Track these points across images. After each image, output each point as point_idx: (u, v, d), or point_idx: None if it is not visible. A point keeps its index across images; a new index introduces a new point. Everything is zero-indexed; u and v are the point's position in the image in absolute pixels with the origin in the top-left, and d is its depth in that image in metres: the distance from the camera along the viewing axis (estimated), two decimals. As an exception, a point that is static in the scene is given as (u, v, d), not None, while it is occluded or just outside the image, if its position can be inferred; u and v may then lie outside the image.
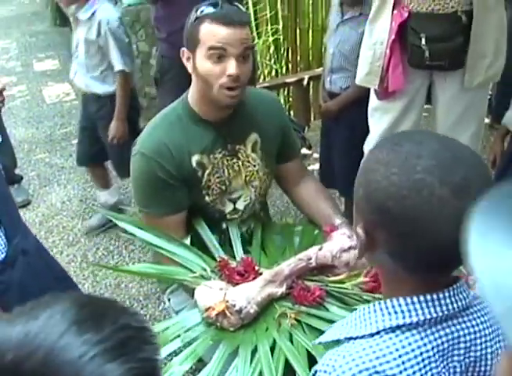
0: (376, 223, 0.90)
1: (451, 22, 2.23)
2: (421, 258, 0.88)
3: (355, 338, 0.93)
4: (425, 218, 0.84)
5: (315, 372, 0.93)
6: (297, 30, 4.95)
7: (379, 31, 2.37)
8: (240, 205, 1.89)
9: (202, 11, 1.70)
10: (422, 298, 0.90)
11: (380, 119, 2.58)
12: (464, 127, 2.43)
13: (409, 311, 0.91)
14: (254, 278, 1.64)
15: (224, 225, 1.91)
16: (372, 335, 0.92)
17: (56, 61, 6.69)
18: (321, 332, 1.48)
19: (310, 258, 1.65)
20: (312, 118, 4.72)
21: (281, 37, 5.02)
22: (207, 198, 1.84)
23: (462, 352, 0.92)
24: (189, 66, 1.76)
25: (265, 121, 1.90)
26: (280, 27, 4.97)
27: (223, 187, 1.85)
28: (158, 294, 2.94)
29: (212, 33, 1.66)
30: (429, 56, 2.25)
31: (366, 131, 2.73)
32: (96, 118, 3.29)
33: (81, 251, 3.38)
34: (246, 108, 1.86)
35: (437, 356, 0.90)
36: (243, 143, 1.86)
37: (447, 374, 0.91)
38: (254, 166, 1.88)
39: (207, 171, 1.81)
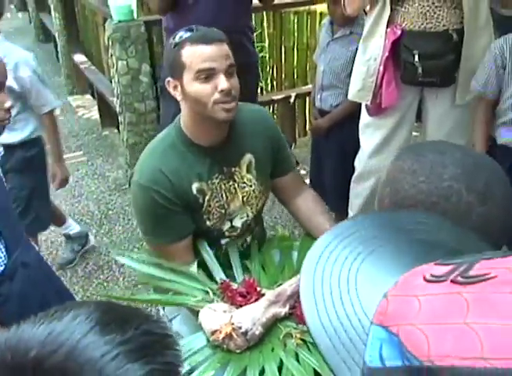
0: None
1: (442, 40, 2.31)
2: None
3: None
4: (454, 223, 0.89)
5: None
6: (283, 49, 5.04)
7: (373, 48, 2.44)
8: (238, 223, 1.91)
9: (179, 37, 1.72)
10: None
11: (371, 135, 2.64)
12: (455, 142, 2.50)
13: None
14: (256, 299, 1.65)
15: (222, 241, 1.93)
16: None
17: (40, 77, 6.68)
18: None
19: None
20: (298, 135, 4.78)
21: (267, 55, 5.11)
22: (208, 223, 1.85)
23: None
24: (177, 94, 1.76)
25: (257, 140, 1.91)
26: (266, 44, 5.05)
27: (222, 211, 1.86)
28: (149, 308, 2.94)
29: (196, 54, 1.68)
30: (422, 73, 2.33)
31: (357, 148, 2.79)
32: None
33: (70, 266, 3.36)
34: (238, 130, 1.87)
35: None
36: (238, 165, 1.87)
37: None
38: (250, 186, 1.90)
39: (207, 197, 1.82)
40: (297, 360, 1.51)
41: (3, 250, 1.73)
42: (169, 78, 1.76)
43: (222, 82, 1.69)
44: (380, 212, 0.94)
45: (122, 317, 0.68)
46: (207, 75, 1.68)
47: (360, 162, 2.76)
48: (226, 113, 1.73)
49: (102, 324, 0.64)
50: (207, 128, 1.79)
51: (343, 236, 0.67)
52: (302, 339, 1.56)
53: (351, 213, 2.90)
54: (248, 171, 1.89)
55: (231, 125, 1.81)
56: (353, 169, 2.84)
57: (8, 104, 1.61)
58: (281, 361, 1.51)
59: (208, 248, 1.88)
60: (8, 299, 1.75)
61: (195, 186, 1.79)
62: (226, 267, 1.88)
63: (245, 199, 1.89)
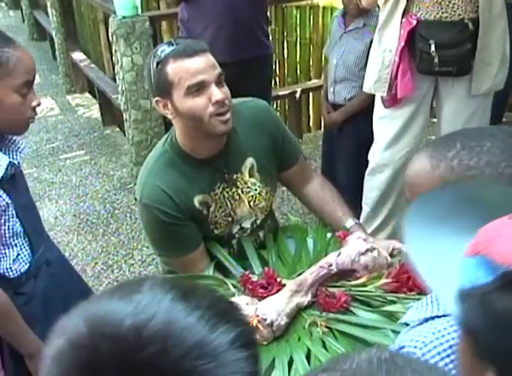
0: None
1: (458, 29, 2.33)
2: None
3: (439, 317, 0.99)
4: None
5: (401, 347, 0.98)
6: (285, 44, 5.04)
7: (388, 39, 2.46)
8: (246, 224, 1.93)
9: (160, 54, 1.67)
10: None
11: (386, 127, 2.66)
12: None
13: None
14: (278, 290, 1.67)
15: (233, 242, 1.95)
16: None
17: (37, 75, 6.64)
18: (352, 337, 1.54)
19: (331, 265, 1.68)
20: (304, 131, 4.79)
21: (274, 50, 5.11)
22: (215, 231, 1.87)
23: None
24: (168, 113, 1.73)
25: (257, 141, 1.89)
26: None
27: (229, 219, 1.87)
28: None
29: (182, 70, 1.65)
30: (438, 62, 2.35)
31: (370, 141, 2.80)
32: None
33: (78, 266, 3.36)
34: (237, 135, 1.85)
35: None
36: (240, 171, 1.86)
37: None
38: (255, 190, 1.90)
39: (212, 209, 1.83)
40: (324, 348, 1.53)
41: (27, 248, 1.73)
42: (157, 98, 1.73)
43: (216, 93, 1.67)
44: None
45: (191, 286, 0.70)
46: (198, 89, 1.66)
47: (375, 155, 2.77)
48: (224, 126, 1.72)
49: (179, 293, 0.66)
50: (205, 141, 1.78)
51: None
52: (328, 327, 1.58)
53: (365, 207, 2.91)
54: (251, 175, 1.89)
55: (229, 132, 1.79)
56: (367, 163, 2.85)
57: (35, 103, 1.62)
58: (308, 350, 1.53)
59: (222, 249, 1.90)
60: (32, 298, 1.75)
61: (197, 200, 1.80)
62: (242, 263, 1.90)
63: (252, 203, 1.90)
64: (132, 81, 3.77)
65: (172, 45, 1.68)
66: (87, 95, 5.88)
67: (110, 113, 5.05)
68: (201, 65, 1.66)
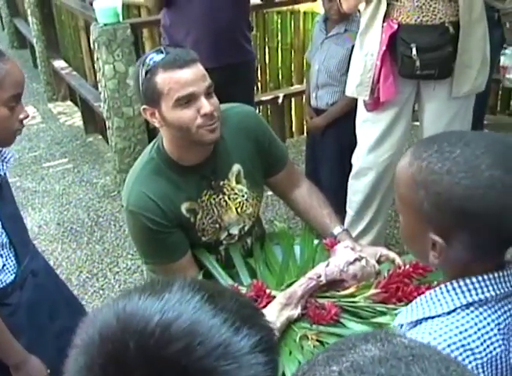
0: (453, 227, 0.98)
1: (439, 32, 2.36)
2: (500, 243, 0.99)
3: (433, 318, 1.01)
4: (506, 208, 0.94)
5: None
6: (266, 49, 5.06)
7: (369, 43, 2.49)
8: (234, 230, 1.93)
9: (149, 63, 1.66)
10: (491, 275, 1.00)
11: (369, 130, 2.68)
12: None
13: (481, 287, 0.99)
14: (267, 302, 1.66)
15: (220, 248, 1.95)
16: (448, 313, 1.00)
17: (17, 84, 6.62)
18: None
19: (320, 276, 1.69)
20: (286, 136, 4.81)
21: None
22: (203, 238, 1.87)
23: None
24: (155, 121, 1.73)
25: (244, 147, 1.89)
26: (250, 46, 5.08)
27: (217, 226, 1.87)
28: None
29: (172, 81, 1.64)
30: (419, 66, 2.38)
31: (353, 145, 2.82)
32: None
33: (63, 275, 3.33)
34: (224, 141, 1.85)
35: (506, 330, 0.99)
36: (227, 178, 1.87)
37: (508, 346, 0.99)
38: (242, 196, 1.90)
39: (199, 216, 1.83)
40: None
41: (13, 258, 1.71)
42: (145, 106, 1.72)
43: (205, 106, 1.67)
44: None
45: (218, 289, 0.73)
46: (188, 101, 1.66)
47: (358, 158, 2.79)
48: (212, 135, 1.72)
49: (207, 294, 0.68)
50: (192, 149, 1.78)
51: None
52: (319, 340, 1.58)
53: (349, 211, 2.93)
54: (238, 181, 1.89)
55: (217, 140, 1.79)
56: (350, 167, 2.87)
57: (22, 115, 1.61)
58: (300, 363, 1.52)
59: (210, 257, 1.90)
60: (17, 309, 1.74)
61: (184, 207, 1.80)
62: (230, 270, 1.90)
63: (239, 210, 1.90)
64: (115, 89, 3.77)
65: (162, 53, 1.67)
66: (69, 103, 5.85)
67: (93, 121, 5.04)
68: (191, 77, 1.65)
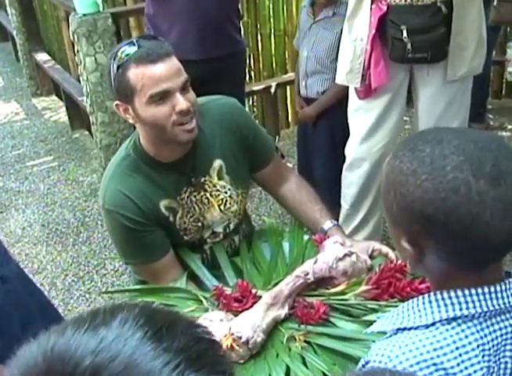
0: (420, 233, 0.94)
1: (431, 13, 2.32)
2: (475, 253, 0.92)
3: (409, 329, 0.96)
4: (470, 215, 0.88)
5: (367, 362, 0.96)
6: (259, 37, 5.02)
7: (358, 27, 2.45)
8: (219, 229, 1.91)
9: (121, 56, 1.62)
10: (479, 290, 0.94)
11: (361, 119, 2.65)
12: (448, 122, 2.52)
13: (466, 303, 0.94)
14: (253, 303, 1.64)
15: (205, 247, 1.93)
16: (427, 326, 0.95)
17: (0, 79, 6.61)
18: (332, 351, 1.52)
19: (307, 274, 1.66)
20: (280, 127, 4.78)
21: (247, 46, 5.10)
22: (185, 238, 1.86)
23: None
24: (129, 117, 1.71)
25: (226, 141, 1.87)
26: (241, 33, 5.04)
27: (199, 224, 1.85)
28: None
29: (145, 77, 1.61)
30: (411, 49, 2.34)
31: (346, 135, 2.79)
32: None
33: (48, 279, 3.33)
34: (204, 136, 1.82)
35: (491, 351, 0.94)
36: (208, 174, 1.85)
37: (496, 368, 0.94)
38: (226, 192, 1.88)
39: (179, 215, 1.81)
40: (305, 364, 1.51)
41: None
42: (118, 102, 1.70)
43: (180, 102, 1.64)
44: None
45: (169, 321, 0.66)
46: (162, 97, 1.63)
47: (351, 149, 2.76)
48: (188, 134, 1.70)
49: (153, 329, 0.62)
50: (169, 145, 1.76)
51: None
52: (307, 341, 1.56)
53: (343, 205, 2.91)
54: (220, 177, 1.87)
55: (193, 139, 1.77)
56: (344, 158, 2.84)
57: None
58: (287, 367, 1.51)
59: (195, 258, 1.88)
60: None
61: (163, 205, 1.78)
62: (215, 269, 1.88)
63: (222, 207, 1.88)
64: (97, 82, 3.73)
65: (134, 45, 1.63)
66: (54, 97, 5.83)
67: (78, 116, 5.01)
68: (165, 72, 1.62)
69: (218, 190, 1.86)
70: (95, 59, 3.70)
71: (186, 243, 1.88)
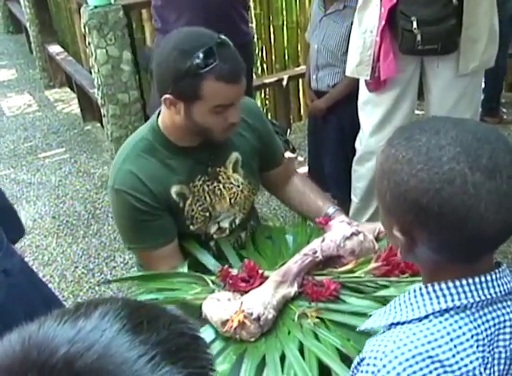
0: (413, 223, 0.94)
1: (442, 4, 2.31)
2: (468, 245, 0.92)
3: (403, 323, 0.96)
4: (465, 207, 0.88)
5: (362, 360, 0.97)
6: (271, 29, 5.01)
7: (368, 19, 2.44)
8: (225, 223, 1.91)
9: (199, 63, 1.62)
10: (470, 280, 0.94)
11: (371, 112, 2.64)
12: (459, 116, 2.49)
13: (458, 293, 0.94)
14: (260, 282, 1.64)
15: (211, 243, 1.94)
16: (420, 320, 0.95)
17: (13, 70, 6.64)
18: (345, 326, 1.52)
19: (315, 252, 1.67)
20: (292, 120, 4.77)
21: (255, 37, 5.08)
22: (191, 227, 1.86)
23: (507, 336, 0.96)
24: (173, 110, 1.71)
25: (245, 136, 1.91)
26: (253, 25, 5.03)
27: (207, 214, 1.86)
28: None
29: (220, 93, 1.65)
30: (421, 40, 2.33)
31: (357, 129, 2.79)
32: None
33: (58, 271, 3.36)
34: None
35: (485, 341, 0.93)
36: (224, 165, 1.87)
37: (491, 359, 0.94)
38: (238, 186, 1.89)
39: (188, 202, 1.81)
40: (317, 340, 1.51)
41: None
42: (169, 96, 1.68)
43: (235, 116, 1.72)
44: None
45: (152, 315, 0.66)
46: (222, 109, 1.68)
47: (361, 142, 2.76)
48: (226, 135, 1.78)
49: (133, 322, 0.63)
50: (196, 136, 1.79)
51: None
52: (319, 317, 1.56)
53: (354, 199, 2.91)
54: (235, 170, 1.88)
55: None
56: (354, 152, 2.84)
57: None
58: (300, 343, 1.51)
59: (199, 247, 1.88)
60: None
61: (174, 190, 1.79)
62: (221, 262, 1.89)
63: (233, 200, 1.89)
64: (108, 74, 3.76)
65: (213, 54, 1.62)
66: (66, 89, 5.85)
67: (90, 109, 5.03)
68: (237, 92, 1.69)
69: (231, 183, 1.88)
70: (107, 51, 3.72)
71: (192, 234, 1.88)
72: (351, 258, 1.69)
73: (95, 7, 3.64)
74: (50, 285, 3.22)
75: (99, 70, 3.75)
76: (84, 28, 3.71)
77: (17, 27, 7.50)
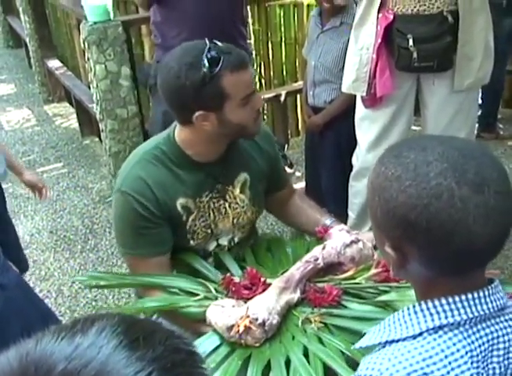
0: (403, 238, 0.94)
1: (437, 22, 2.34)
2: (457, 259, 0.93)
3: (397, 341, 0.96)
4: (452, 220, 0.89)
5: None
6: (270, 44, 5.05)
7: (365, 36, 2.47)
8: (224, 241, 1.91)
9: (212, 65, 1.62)
10: (463, 297, 0.95)
11: (368, 129, 2.66)
12: (455, 132, 2.52)
13: (451, 310, 0.94)
14: (263, 290, 1.66)
15: (209, 260, 1.93)
16: (414, 337, 0.95)
17: (13, 85, 6.68)
18: (348, 330, 1.54)
19: (317, 259, 1.69)
20: (290, 135, 4.79)
21: (253, 53, 5.12)
22: (191, 242, 1.85)
23: (501, 352, 0.96)
24: (207, 125, 1.70)
25: (255, 158, 1.91)
26: (252, 41, 5.06)
27: (208, 231, 1.86)
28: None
29: (240, 82, 1.67)
30: (417, 58, 2.35)
31: (353, 145, 2.80)
32: None
33: (55, 286, 3.36)
34: (237, 147, 1.87)
35: (479, 357, 0.94)
36: (232, 184, 1.87)
37: (485, 375, 0.94)
38: (242, 207, 1.90)
39: (192, 217, 1.81)
40: (322, 344, 1.53)
41: None
42: (198, 112, 1.67)
43: (259, 101, 1.76)
44: None
45: (148, 331, 0.67)
46: (248, 99, 1.70)
47: (358, 158, 2.77)
48: (258, 127, 1.80)
49: (129, 338, 0.63)
50: (216, 145, 1.80)
51: None
52: (322, 322, 1.58)
53: (351, 214, 2.91)
54: (242, 191, 1.89)
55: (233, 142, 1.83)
56: (351, 167, 2.85)
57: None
58: (305, 348, 1.53)
59: (197, 256, 1.87)
60: None
61: (180, 202, 1.79)
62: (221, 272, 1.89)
63: (235, 220, 1.89)
64: (107, 90, 3.77)
65: (216, 53, 1.64)
66: (65, 104, 5.88)
67: (89, 123, 5.06)
68: (251, 76, 1.72)
69: (237, 203, 1.88)
70: (106, 66, 3.73)
71: (190, 250, 1.88)
72: (351, 265, 1.72)
73: (95, 23, 3.65)
74: (47, 300, 3.22)
75: (97, 85, 3.77)
76: (84, 43, 3.73)
77: (17, 42, 7.55)
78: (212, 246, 1.90)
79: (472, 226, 0.89)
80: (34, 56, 5.81)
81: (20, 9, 5.62)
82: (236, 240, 1.94)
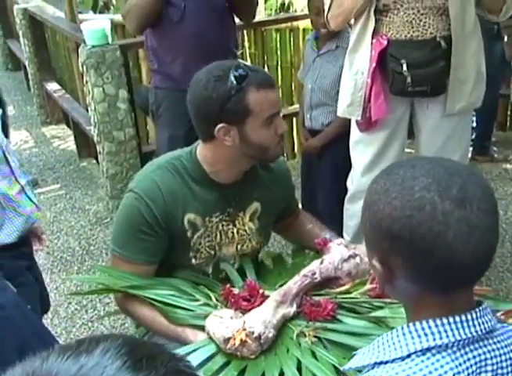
0: (388, 251, 0.96)
1: (431, 47, 2.38)
2: (440, 274, 0.94)
3: (386, 363, 0.97)
4: (434, 233, 0.90)
5: None
6: (266, 68, 5.09)
7: (359, 61, 2.50)
8: (224, 266, 1.92)
9: (237, 80, 1.65)
10: (451, 319, 0.95)
11: (362, 152, 2.68)
12: (449, 155, 2.54)
13: (439, 332, 0.95)
14: (261, 302, 1.68)
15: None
16: (403, 359, 0.96)
17: (11, 107, 6.70)
18: (341, 345, 1.56)
19: (314, 273, 1.71)
20: (287, 158, 4.81)
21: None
22: (193, 261, 1.85)
23: (489, 375, 0.96)
24: (228, 140, 1.71)
25: (271, 190, 1.93)
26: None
27: (212, 252, 1.86)
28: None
29: (265, 100, 1.68)
30: (411, 82, 2.38)
31: (349, 168, 2.82)
32: None
33: (51, 307, 3.34)
34: (255, 175, 1.88)
35: None
36: (244, 211, 1.88)
37: None
38: (249, 235, 1.91)
39: (198, 234, 1.82)
40: (315, 358, 1.55)
41: None
42: (221, 125, 1.69)
43: (283, 125, 1.77)
44: None
45: (151, 353, 0.68)
46: (271, 120, 1.72)
47: (353, 181, 2.79)
48: (279, 152, 1.83)
49: (133, 360, 0.64)
50: (235, 167, 1.81)
51: None
52: (316, 336, 1.60)
53: (346, 236, 2.92)
54: (251, 219, 1.90)
55: (250, 168, 1.85)
56: (346, 190, 2.87)
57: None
58: (299, 361, 1.54)
59: (194, 273, 1.87)
60: None
61: (188, 217, 1.79)
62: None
63: (239, 246, 1.90)
64: (105, 112, 3.80)
65: (243, 70, 1.66)
66: (63, 126, 5.91)
67: (86, 145, 5.08)
68: (277, 97, 1.75)
69: (244, 230, 1.89)
70: (103, 89, 3.77)
71: (192, 268, 1.86)
72: (348, 280, 1.75)
73: (93, 46, 3.70)
74: (43, 321, 3.21)
75: (95, 108, 3.80)
76: (82, 67, 3.77)
77: (16, 65, 7.60)
78: (211, 270, 1.90)
79: (453, 241, 0.90)
80: (33, 79, 5.85)
81: (20, 33, 5.67)
82: (235, 266, 1.93)
